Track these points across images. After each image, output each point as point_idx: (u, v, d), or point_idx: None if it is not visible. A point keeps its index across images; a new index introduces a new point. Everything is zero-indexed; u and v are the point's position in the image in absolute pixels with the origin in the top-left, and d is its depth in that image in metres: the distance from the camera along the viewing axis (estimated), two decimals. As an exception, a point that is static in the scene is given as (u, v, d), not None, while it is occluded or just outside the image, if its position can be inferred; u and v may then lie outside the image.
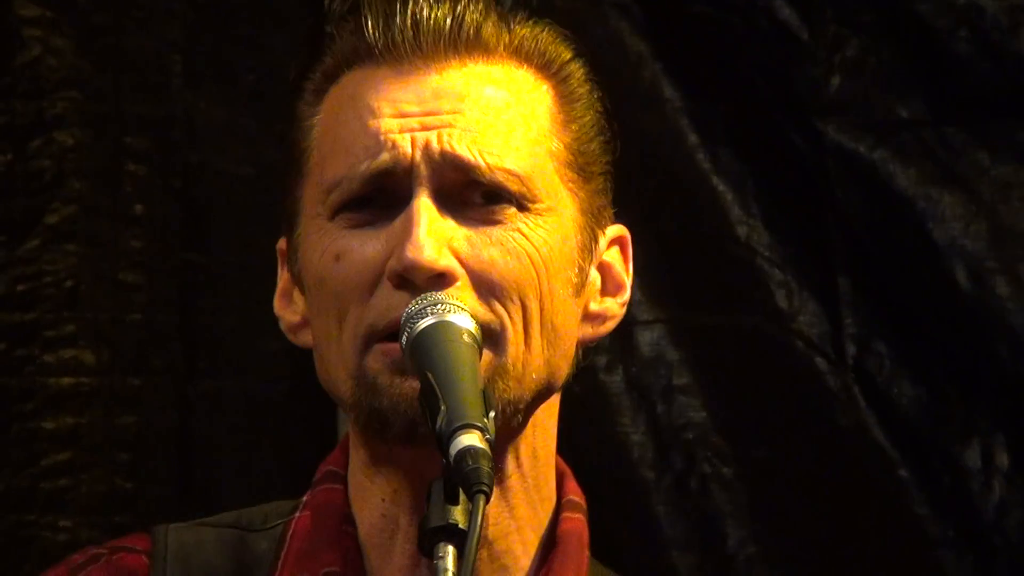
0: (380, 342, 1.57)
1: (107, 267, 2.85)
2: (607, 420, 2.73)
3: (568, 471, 1.73)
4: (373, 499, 1.67)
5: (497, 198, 1.61)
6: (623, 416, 3.00)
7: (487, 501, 1.38)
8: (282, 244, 1.70)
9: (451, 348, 1.54)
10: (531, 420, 1.65)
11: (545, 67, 1.67)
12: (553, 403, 1.68)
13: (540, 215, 1.62)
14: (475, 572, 1.52)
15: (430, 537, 1.40)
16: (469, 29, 1.64)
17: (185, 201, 2.88)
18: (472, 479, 1.38)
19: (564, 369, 1.66)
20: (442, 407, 1.47)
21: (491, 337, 1.59)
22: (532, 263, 1.61)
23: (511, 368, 1.60)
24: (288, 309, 1.70)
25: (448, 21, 1.64)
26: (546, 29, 1.68)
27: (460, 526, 1.40)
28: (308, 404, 2.88)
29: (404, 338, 1.54)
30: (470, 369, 1.52)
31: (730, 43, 2.99)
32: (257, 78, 2.91)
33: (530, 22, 1.68)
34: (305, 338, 1.70)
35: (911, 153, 3.02)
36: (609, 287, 1.72)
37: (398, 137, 1.60)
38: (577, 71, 1.68)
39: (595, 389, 2.79)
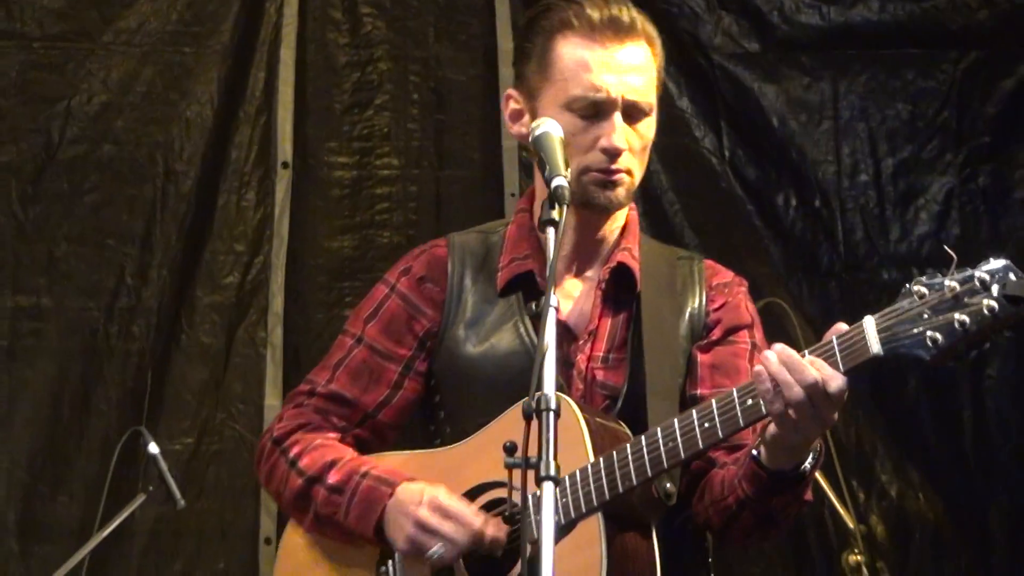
0: (588, 173, 2.34)
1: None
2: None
3: (632, 204, 2.44)
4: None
5: (641, 115, 2.37)
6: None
7: (567, 209, 2.06)
8: (514, 94, 2.41)
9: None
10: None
11: (654, 43, 2.40)
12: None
13: (652, 116, 2.39)
14: (589, 240, 2.38)
15: (543, 224, 2.07)
16: (632, 23, 2.36)
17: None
18: (560, 198, 2.06)
19: None
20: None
21: (632, 175, 2.35)
22: (649, 143, 2.39)
23: (635, 184, 2.36)
24: (518, 124, 2.44)
25: (626, 18, 2.35)
26: (649, 20, 2.39)
27: (556, 219, 2.05)
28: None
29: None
30: (563, 159, 2.15)
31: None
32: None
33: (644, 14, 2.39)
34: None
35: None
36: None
37: (610, 86, 2.33)
38: (660, 43, 2.40)
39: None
